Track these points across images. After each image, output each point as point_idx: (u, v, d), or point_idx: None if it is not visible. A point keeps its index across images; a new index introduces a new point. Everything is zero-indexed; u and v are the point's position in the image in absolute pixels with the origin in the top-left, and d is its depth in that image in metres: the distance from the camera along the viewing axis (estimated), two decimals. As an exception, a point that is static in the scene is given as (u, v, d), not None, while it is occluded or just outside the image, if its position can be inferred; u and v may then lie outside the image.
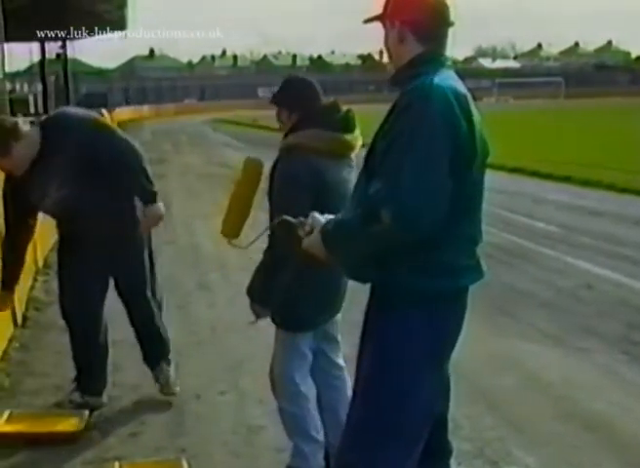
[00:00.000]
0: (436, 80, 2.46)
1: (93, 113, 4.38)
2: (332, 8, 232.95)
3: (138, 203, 4.26)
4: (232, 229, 3.33)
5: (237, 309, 6.25)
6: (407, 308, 2.53)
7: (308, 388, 3.43)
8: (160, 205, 4.26)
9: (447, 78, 2.51)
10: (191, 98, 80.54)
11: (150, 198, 4.24)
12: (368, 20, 2.68)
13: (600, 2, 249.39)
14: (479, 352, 5.04)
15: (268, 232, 3.11)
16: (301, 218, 2.65)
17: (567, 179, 14.88)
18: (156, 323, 4.51)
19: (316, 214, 2.65)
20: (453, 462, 2.94)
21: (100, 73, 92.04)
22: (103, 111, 28.17)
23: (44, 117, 4.44)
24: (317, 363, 3.48)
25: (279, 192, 3.23)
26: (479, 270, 2.62)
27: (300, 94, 3.36)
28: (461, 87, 2.55)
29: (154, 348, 4.54)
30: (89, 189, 4.11)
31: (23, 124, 4.17)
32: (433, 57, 2.57)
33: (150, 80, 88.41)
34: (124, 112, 51.39)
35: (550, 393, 4.69)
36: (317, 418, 3.43)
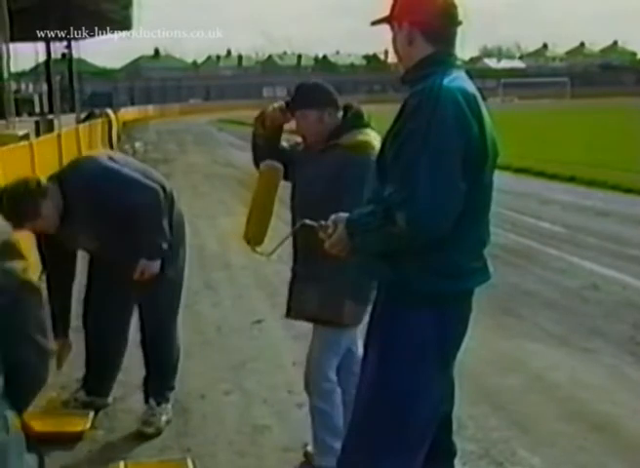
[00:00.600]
0: (445, 81, 2.45)
1: (111, 163, 4.13)
2: (336, 8, 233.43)
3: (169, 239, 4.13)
4: (256, 235, 3.30)
5: (242, 309, 6.24)
6: (415, 308, 2.52)
7: (337, 385, 3.44)
8: (157, 263, 4.06)
9: (456, 78, 2.50)
10: (196, 98, 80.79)
11: (154, 254, 4.04)
12: (375, 22, 2.67)
13: (606, 2, 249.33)
14: (485, 352, 5.04)
15: (291, 237, 3.10)
16: (322, 221, 2.63)
17: (572, 180, 14.84)
18: (165, 347, 4.33)
19: (334, 215, 2.60)
20: (457, 463, 2.94)
21: (105, 73, 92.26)
22: (109, 111, 28.28)
23: (61, 171, 4.28)
24: (343, 359, 3.46)
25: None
26: (486, 272, 2.61)
27: (331, 96, 3.38)
28: (471, 87, 2.53)
29: (153, 375, 4.34)
30: (120, 238, 4.04)
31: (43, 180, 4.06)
32: (443, 57, 2.56)
33: (155, 80, 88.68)
34: (129, 112, 51.58)
35: (556, 393, 4.68)
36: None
